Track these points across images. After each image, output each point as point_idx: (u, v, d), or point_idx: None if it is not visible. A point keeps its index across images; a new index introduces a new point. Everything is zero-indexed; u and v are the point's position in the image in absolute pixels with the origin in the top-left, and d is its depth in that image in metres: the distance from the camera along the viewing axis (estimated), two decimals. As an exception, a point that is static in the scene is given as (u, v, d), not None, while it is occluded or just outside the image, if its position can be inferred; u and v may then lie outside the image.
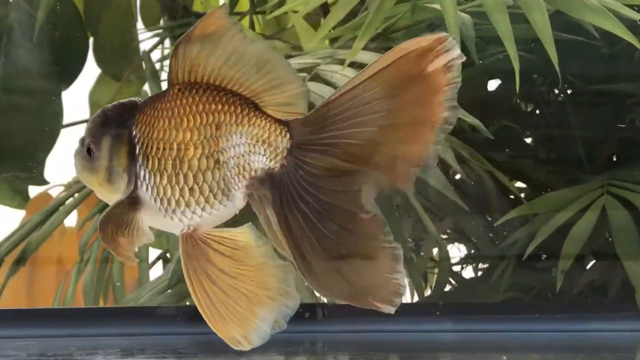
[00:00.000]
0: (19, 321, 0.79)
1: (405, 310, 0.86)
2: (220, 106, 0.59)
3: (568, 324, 0.85)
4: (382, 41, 1.01)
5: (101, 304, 1.10)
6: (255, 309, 0.59)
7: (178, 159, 0.59)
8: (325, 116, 0.57)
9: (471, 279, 1.13)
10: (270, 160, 0.58)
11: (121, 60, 1.44)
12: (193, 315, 0.82)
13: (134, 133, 0.60)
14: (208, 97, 0.59)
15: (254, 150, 0.58)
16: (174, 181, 0.59)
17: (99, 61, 1.45)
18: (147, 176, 0.59)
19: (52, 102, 1.38)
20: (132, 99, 0.62)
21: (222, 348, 0.77)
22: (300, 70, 0.98)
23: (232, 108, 0.59)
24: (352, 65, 0.95)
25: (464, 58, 0.56)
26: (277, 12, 0.95)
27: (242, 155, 0.59)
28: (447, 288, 1.12)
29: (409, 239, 1.17)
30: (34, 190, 1.46)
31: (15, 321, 0.80)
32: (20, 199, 1.47)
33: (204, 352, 0.78)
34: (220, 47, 0.58)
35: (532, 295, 1.01)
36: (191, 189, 0.59)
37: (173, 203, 0.59)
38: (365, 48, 0.94)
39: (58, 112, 1.39)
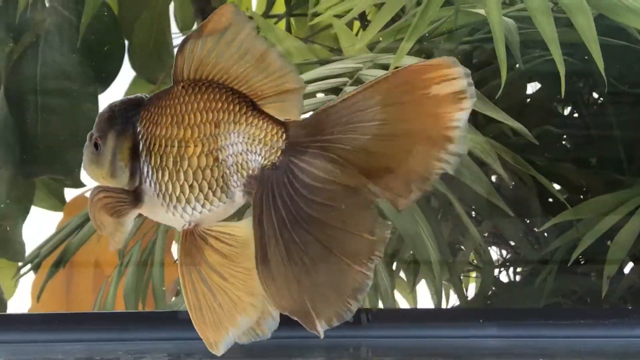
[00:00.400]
0: (66, 325, 0.80)
1: (450, 316, 0.86)
2: (220, 104, 0.60)
3: (615, 329, 0.84)
4: (426, 44, 1.00)
5: (140, 308, 1.11)
6: (237, 316, 0.60)
7: (179, 156, 0.59)
8: (323, 120, 0.57)
9: (511, 283, 1.12)
10: (265, 159, 0.58)
11: (155, 63, 1.44)
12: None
13: (138, 129, 0.60)
14: (210, 94, 0.60)
15: (251, 149, 0.58)
16: (174, 178, 0.60)
17: (134, 64, 1.45)
18: (150, 172, 0.60)
19: (88, 105, 1.39)
20: (140, 95, 0.62)
21: (269, 353, 0.78)
22: (342, 75, 0.98)
23: (232, 107, 0.59)
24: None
25: (471, 90, 0.55)
26: (320, 18, 0.95)
27: (240, 154, 0.59)
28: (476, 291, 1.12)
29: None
30: (69, 193, 1.46)
31: (63, 325, 0.80)
32: (56, 201, 1.48)
33: (250, 357, 0.78)
34: (234, 45, 0.58)
35: (572, 300, 1.01)
36: (191, 186, 0.59)
37: (174, 199, 0.60)
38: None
39: (94, 115, 1.39)
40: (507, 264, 1.14)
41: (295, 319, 0.57)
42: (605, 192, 1.01)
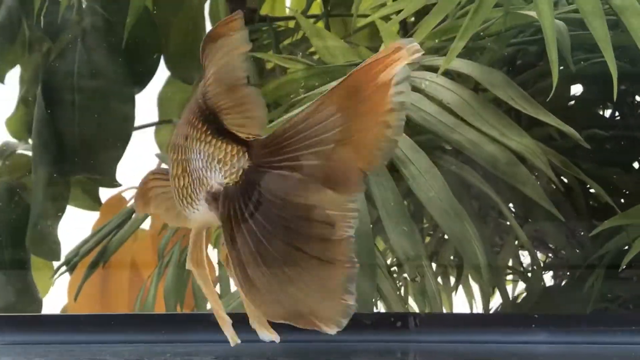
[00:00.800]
0: (116, 326, 0.79)
1: (499, 321, 0.85)
2: (192, 117, 0.59)
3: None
4: (473, 46, 1.00)
5: (178, 310, 1.10)
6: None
7: (170, 161, 0.60)
8: (283, 137, 0.55)
9: (556, 287, 1.11)
10: (226, 178, 0.58)
11: (190, 63, 1.44)
12: (285, 323, 0.81)
13: None
14: (192, 105, 0.60)
15: (210, 167, 0.58)
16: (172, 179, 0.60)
17: (169, 64, 1.45)
18: None
19: (125, 105, 1.39)
20: None
21: (313, 356, 0.77)
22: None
23: (197, 122, 0.59)
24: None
25: (410, 68, 0.53)
26: (368, 20, 0.95)
27: (201, 170, 0.59)
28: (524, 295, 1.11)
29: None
30: (104, 193, 1.46)
31: (113, 326, 0.80)
32: (91, 201, 1.48)
33: (297, 359, 0.77)
34: (216, 57, 0.58)
35: (618, 305, 1.00)
36: (174, 190, 0.59)
37: (176, 199, 0.60)
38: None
39: (130, 114, 1.40)
40: (552, 268, 1.13)
41: (300, 326, 0.56)
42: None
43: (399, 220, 0.87)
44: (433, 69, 0.96)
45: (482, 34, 0.96)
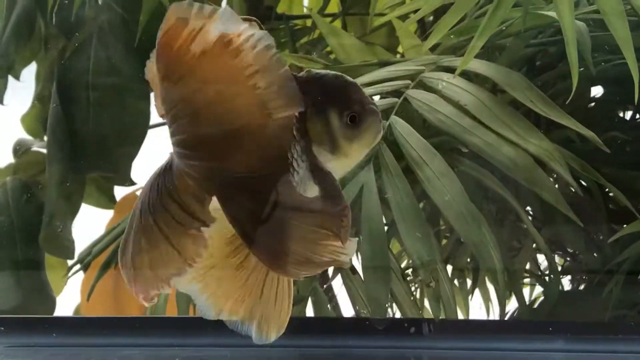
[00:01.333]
0: (125, 329, 0.78)
1: (515, 328, 0.84)
2: None
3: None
4: (489, 46, 0.98)
5: (190, 312, 1.09)
6: None
7: None
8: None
9: (574, 293, 1.09)
10: None
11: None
12: (297, 328, 0.80)
13: None
14: None
15: None
16: None
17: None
18: None
19: (140, 102, 1.38)
20: None
21: (325, 361, 0.76)
22: (404, 77, 0.95)
23: None
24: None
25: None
26: (384, 19, 0.93)
27: None
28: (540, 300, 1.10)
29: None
30: (119, 191, 1.45)
31: (122, 329, 0.78)
32: (105, 199, 1.47)
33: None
34: None
35: (636, 312, 0.98)
36: None
37: None
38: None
39: (146, 112, 1.39)
40: (571, 273, 1.12)
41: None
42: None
43: (414, 224, 0.85)
44: (451, 70, 0.94)
45: (501, 34, 0.94)
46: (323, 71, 0.58)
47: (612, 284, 0.95)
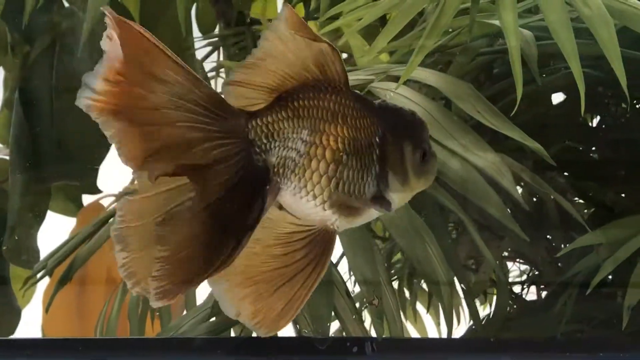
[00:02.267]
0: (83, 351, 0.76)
1: (459, 346, 0.82)
2: None
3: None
4: (441, 56, 0.96)
5: (148, 325, 1.07)
6: None
7: None
8: None
9: (532, 304, 1.07)
10: None
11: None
12: (235, 349, 0.78)
13: None
14: None
15: None
16: None
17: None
18: None
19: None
20: None
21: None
22: (354, 87, 0.93)
23: None
24: (407, 82, 0.90)
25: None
26: (330, 27, 0.91)
27: None
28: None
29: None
30: (88, 199, 1.44)
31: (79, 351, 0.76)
32: (73, 207, 1.45)
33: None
34: None
35: (593, 327, 0.95)
36: None
37: None
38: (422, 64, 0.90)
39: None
40: (526, 284, 1.10)
41: None
42: (632, 213, 0.96)
43: (357, 241, 0.83)
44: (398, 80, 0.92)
45: (444, 45, 0.92)
46: (397, 105, 0.62)
47: (565, 298, 0.93)
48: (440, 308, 1.05)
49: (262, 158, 0.57)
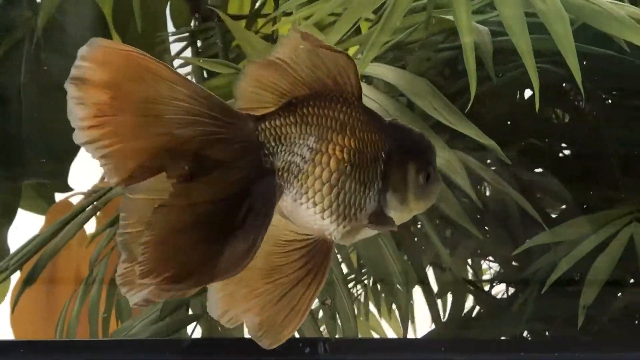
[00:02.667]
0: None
1: (414, 346, 0.81)
2: None
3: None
4: (399, 52, 0.95)
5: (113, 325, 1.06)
6: None
7: None
8: None
9: (502, 303, 1.06)
10: None
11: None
12: (185, 350, 0.77)
13: None
14: None
15: None
16: None
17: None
18: None
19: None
20: None
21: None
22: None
23: None
24: (372, 79, 0.89)
25: None
26: (282, 24, 0.90)
27: None
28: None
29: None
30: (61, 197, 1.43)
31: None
32: (45, 205, 1.44)
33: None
34: None
35: (554, 326, 0.94)
36: None
37: None
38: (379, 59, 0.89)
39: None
40: (495, 283, 1.09)
41: None
42: (600, 209, 0.95)
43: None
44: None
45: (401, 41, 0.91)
46: (407, 125, 0.62)
47: (524, 297, 0.92)
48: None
49: (270, 160, 0.58)
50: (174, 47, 1.44)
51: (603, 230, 0.85)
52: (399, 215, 0.61)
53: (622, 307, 0.97)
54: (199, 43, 1.43)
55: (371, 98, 0.88)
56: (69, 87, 0.54)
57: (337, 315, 0.80)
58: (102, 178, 1.40)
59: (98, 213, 1.20)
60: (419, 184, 0.60)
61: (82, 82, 0.54)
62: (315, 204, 0.58)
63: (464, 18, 0.79)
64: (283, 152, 0.58)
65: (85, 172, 1.38)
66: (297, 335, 0.84)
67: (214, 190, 0.56)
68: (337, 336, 0.80)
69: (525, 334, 0.99)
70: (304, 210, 0.58)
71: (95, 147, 0.54)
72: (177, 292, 0.55)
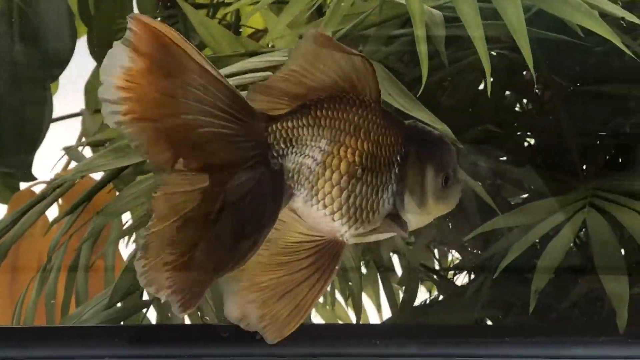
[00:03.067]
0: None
1: (366, 332, 0.80)
2: None
3: (546, 349, 0.77)
4: (355, 37, 0.94)
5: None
6: None
7: None
8: None
9: (456, 291, 1.06)
10: None
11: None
12: (137, 337, 0.76)
13: None
14: None
15: None
16: None
17: (94, 52, 1.41)
18: None
19: (39, 93, 1.34)
20: None
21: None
22: (267, 69, 0.91)
23: None
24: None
25: None
26: (232, 8, 0.89)
27: None
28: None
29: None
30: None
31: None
32: (10, 195, 1.43)
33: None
34: None
35: (512, 313, 0.94)
36: None
37: None
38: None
39: (45, 104, 1.35)
40: (454, 269, 1.08)
41: None
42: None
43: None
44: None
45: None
46: (427, 127, 0.63)
47: (479, 283, 0.92)
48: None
49: (278, 162, 0.58)
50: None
51: (556, 215, 0.85)
52: (417, 218, 0.61)
53: (582, 294, 0.96)
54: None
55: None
56: (118, 45, 0.55)
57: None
58: (65, 167, 1.40)
59: (60, 201, 1.19)
60: (437, 186, 0.61)
61: (128, 45, 0.55)
62: (325, 206, 0.59)
63: (415, 2, 0.79)
64: (294, 154, 0.59)
65: (50, 162, 1.38)
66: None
67: (229, 192, 0.57)
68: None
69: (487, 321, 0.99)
70: (315, 212, 0.59)
71: (113, 110, 0.55)
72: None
